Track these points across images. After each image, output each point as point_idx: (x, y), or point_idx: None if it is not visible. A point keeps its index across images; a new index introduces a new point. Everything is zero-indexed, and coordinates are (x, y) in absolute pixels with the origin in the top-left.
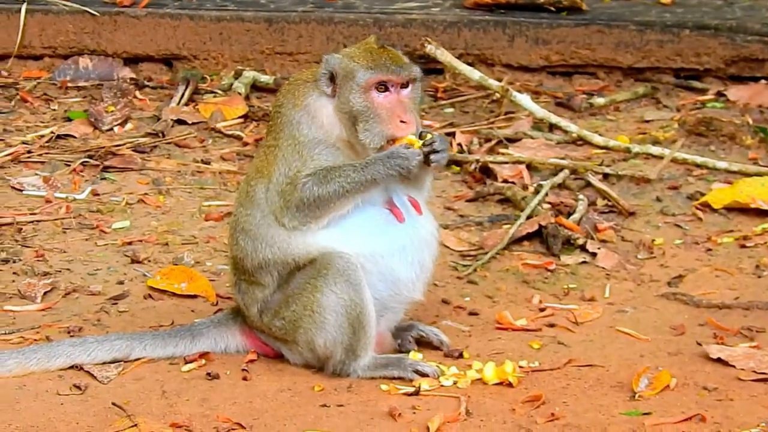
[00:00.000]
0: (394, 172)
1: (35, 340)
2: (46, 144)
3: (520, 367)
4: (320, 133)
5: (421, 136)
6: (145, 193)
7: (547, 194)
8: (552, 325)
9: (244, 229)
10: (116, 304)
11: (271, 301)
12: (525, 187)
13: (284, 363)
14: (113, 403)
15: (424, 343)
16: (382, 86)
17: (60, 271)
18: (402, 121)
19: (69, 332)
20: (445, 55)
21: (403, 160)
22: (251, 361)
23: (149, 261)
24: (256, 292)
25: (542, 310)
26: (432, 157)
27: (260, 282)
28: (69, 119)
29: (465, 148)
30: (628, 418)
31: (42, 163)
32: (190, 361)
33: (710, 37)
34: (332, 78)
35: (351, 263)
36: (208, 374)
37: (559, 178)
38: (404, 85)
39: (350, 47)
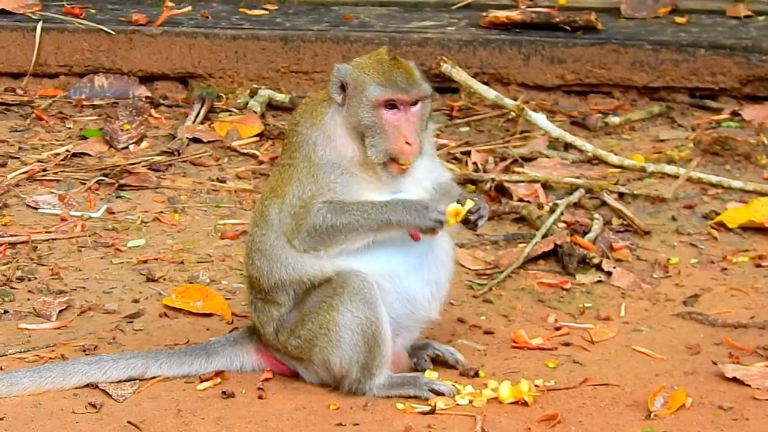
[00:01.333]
0: (412, 221)
1: (50, 358)
2: (62, 162)
3: (536, 386)
4: (335, 155)
5: (460, 202)
6: (161, 212)
7: (562, 213)
8: (567, 344)
9: (259, 249)
10: (131, 322)
11: (286, 320)
12: (540, 206)
13: (300, 381)
14: (129, 422)
15: (439, 362)
16: (391, 103)
17: (75, 290)
18: (407, 143)
19: (84, 350)
20: (460, 74)
21: (425, 214)
22: (267, 379)
23: (164, 279)
24: (271, 311)
25: (558, 329)
26: (479, 222)
27: (276, 301)
28: (84, 137)
29: (480, 167)
30: None
31: (57, 181)
32: (206, 380)
33: (725, 56)
34: (343, 87)
35: (367, 282)
36: (224, 393)
37: (574, 197)
38: (413, 103)
39: (362, 57)
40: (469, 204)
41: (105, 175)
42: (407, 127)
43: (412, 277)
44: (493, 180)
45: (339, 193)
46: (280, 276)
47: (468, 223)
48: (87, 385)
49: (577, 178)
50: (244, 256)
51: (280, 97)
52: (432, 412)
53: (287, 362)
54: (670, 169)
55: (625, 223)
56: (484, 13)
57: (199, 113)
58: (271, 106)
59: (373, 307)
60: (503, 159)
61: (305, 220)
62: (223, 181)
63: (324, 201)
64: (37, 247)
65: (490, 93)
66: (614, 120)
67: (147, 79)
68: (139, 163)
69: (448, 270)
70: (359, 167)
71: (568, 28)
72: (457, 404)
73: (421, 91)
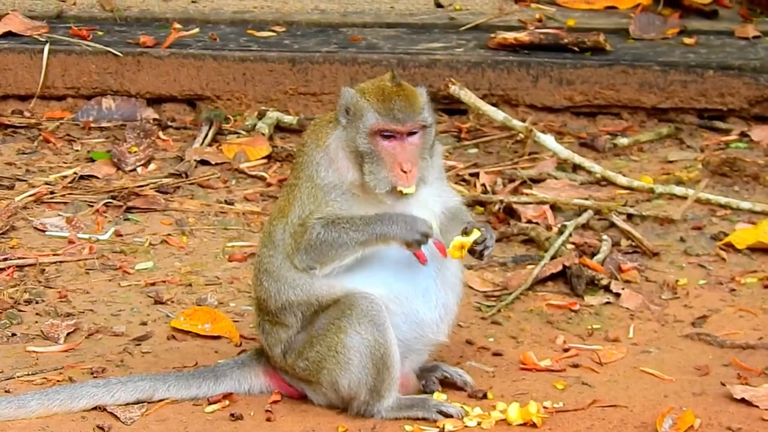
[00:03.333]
0: (400, 233)
1: (58, 381)
2: (69, 185)
3: (545, 407)
4: (336, 176)
5: (465, 232)
6: (169, 234)
7: (571, 235)
8: (576, 366)
9: (267, 271)
10: (139, 345)
11: (294, 342)
12: (549, 228)
13: (308, 404)
14: None
15: (448, 384)
16: (386, 133)
17: (83, 312)
18: (403, 171)
19: (92, 373)
20: (468, 96)
21: (411, 227)
22: (275, 401)
23: (173, 302)
24: (279, 333)
25: (566, 350)
26: (485, 252)
27: (284, 323)
28: (92, 160)
29: (489, 188)
30: None
31: (65, 203)
32: (214, 402)
33: (734, 77)
34: (347, 111)
35: (375, 303)
36: (232, 415)
37: (583, 219)
38: (411, 133)
39: (368, 82)
40: (475, 234)
41: (113, 198)
42: (403, 156)
43: (420, 300)
44: (501, 201)
45: (337, 210)
46: (287, 297)
47: (474, 253)
48: (95, 408)
49: (586, 199)
50: (252, 278)
51: (288, 119)
52: None
53: (295, 384)
54: (678, 190)
55: (633, 244)
56: (493, 35)
57: (207, 135)
58: (279, 128)
59: (382, 329)
60: (512, 180)
61: (303, 237)
62: (231, 204)
63: (318, 217)
64: (44, 270)
65: (499, 114)
66: (623, 141)
67: (155, 101)
68: (147, 185)
69: (456, 293)
70: (360, 190)
71: (576, 49)
72: (466, 426)
73: (416, 122)
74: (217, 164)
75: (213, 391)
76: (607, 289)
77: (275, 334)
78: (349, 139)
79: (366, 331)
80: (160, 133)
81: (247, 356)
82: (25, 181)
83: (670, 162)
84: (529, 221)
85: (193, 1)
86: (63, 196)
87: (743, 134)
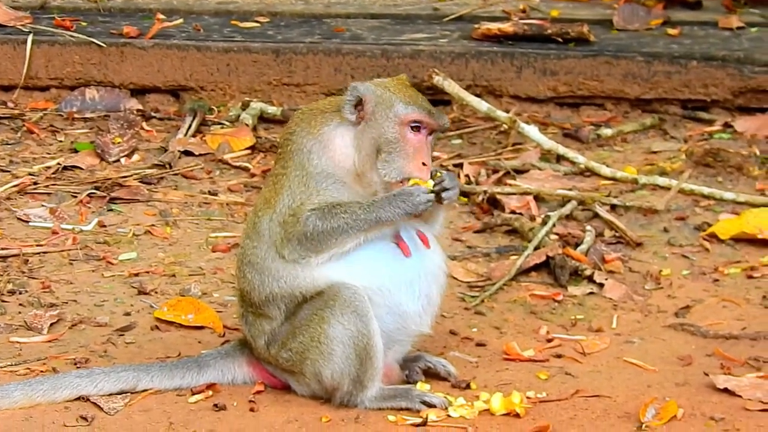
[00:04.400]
0: (402, 211)
1: (41, 371)
2: (53, 175)
3: (528, 397)
4: (330, 165)
5: (431, 176)
6: (152, 225)
7: (554, 225)
8: (559, 356)
9: (251, 262)
10: (123, 335)
11: (278, 333)
12: (532, 218)
13: (291, 394)
14: None
15: (431, 374)
16: (416, 126)
17: (66, 303)
18: (423, 163)
19: (75, 364)
20: (452, 87)
21: (412, 200)
22: (258, 392)
23: (156, 292)
24: (263, 324)
25: (549, 340)
26: (444, 195)
27: (267, 314)
28: (75, 150)
29: (473, 179)
30: None
31: (48, 194)
32: (197, 393)
33: (718, 68)
34: (357, 105)
35: (358, 294)
36: (215, 405)
37: (566, 210)
38: (432, 131)
39: (381, 79)
40: (437, 178)
41: (96, 188)
42: (425, 151)
43: (404, 292)
44: (485, 192)
45: (328, 198)
46: (271, 289)
47: (435, 195)
48: (78, 398)
49: (570, 190)
50: (236, 269)
51: (272, 110)
52: (424, 424)
53: (279, 375)
54: (662, 180)
55: (617, 234)
56: (477, 25)
57: (190, 126)
58: (263, 118)
59: (365, 320)
60: (495, 171)
61: (294, 228)
62: (215, 194)
63: (312, 208)
64: (28, 261)
65: (483, 105)
66: (606, 132)
67: (138, 92)
68: (131, 176)
69: (440, 284)
70: (353, 180)
71: (560, 40)
72: (449, 416)
73: (445, 122)
74: (200, 155)
75: (196, 382)
76: (590, 279)
77: (259, 326)
78: (371, 128)
79: (349, 321)
80: (144, 124)
81: (231, 347)
82: (9, 171)
83: (654, 153)
84: (513, 212)
85: None
86: (46, 186)
87: (727, 125)
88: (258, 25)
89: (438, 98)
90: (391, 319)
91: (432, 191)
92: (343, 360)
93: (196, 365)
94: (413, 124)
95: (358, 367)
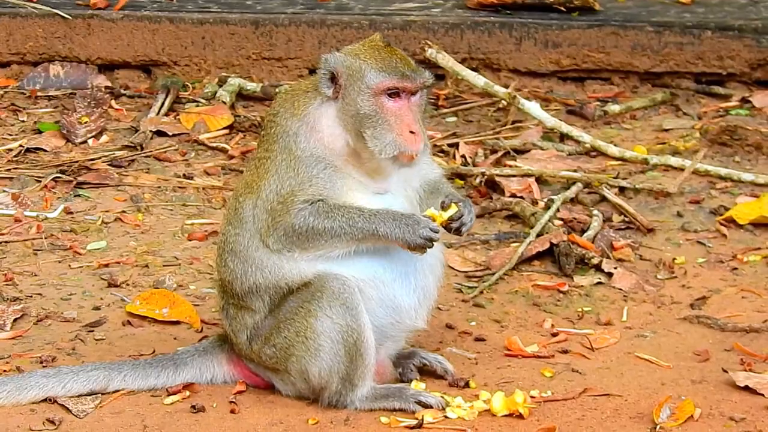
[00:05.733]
0: (400, 235)
1: (5, 371)
2: (15, 158)
3: (532, 397)
4: (320, 147)
5: (443, 206)
6: (123, 211)
7: (558, 210)
8: (565, 352)
9: (233, 250)
10: (92, 331)
11: (261, 327)
12: (534, 202)
13: (275, 394)
14: None
15: (427, 372)
16: (394, 92)
17: (31, 296)
18: (411, 131)
19: (41, 362)
20: (446, 60)
21: (414, 229)
22: (239, 392)
23: (128, 285)
24: (245, 318)
25: (554, 335)
26: (463, 229)
27: (250, 307)
28: (39, 131)
29: (469, 160)
30: None
31: (10, 179)
32: (173, 393)
33: (734, 38)
34: (332, 79)
35: (347, 285)
36: (193, 407)
37: (571, 192)
38: (415, 92)
39: (352, 45)
40: (452, 210)
41: (62, 172)
42: (409, 117)
43: (398, 283)
44: (483, 174)
45: (321, 189)
46: (255, 279)
47: (450, 230)
48: (45, 400)
49: (574, 171)
50: (216, 258)
51: (251, 86)
52: (419, 426)
53: (262, 373)
54: (674, 161)
55: (626, 219)
56: None
57: (163, 104)
58: (242, 95)
59: (355, 313)
60: (494, 151)
61: (283, 218)
62: (191, 178)
63: (305, 200)
64: None
65: (479, 80)
66: (614, 108)
67: (107, 68)
68: (99, 158)
69: (436, 275)
70: (346, 162)
71: (563, 8)
72: (446, 417)
73: (425, 79)
74: (174, 135)
75: (172, 381)
76: (598, 268)
77: (240, 319)
78: (345, 105)
79: (337, 314)
80: (113, 102)
81: (209, 343)
82: None
83: (666, 130)
84: (513, 195)
85: None
86: (8, 170)
87: (744, 100)
88: None
89: (431, 73)
90: (384, 313)
91: (448, 227)
92: (332, 357)
93: (172, 363)
94: (390, 92)
95: (347, 364)
